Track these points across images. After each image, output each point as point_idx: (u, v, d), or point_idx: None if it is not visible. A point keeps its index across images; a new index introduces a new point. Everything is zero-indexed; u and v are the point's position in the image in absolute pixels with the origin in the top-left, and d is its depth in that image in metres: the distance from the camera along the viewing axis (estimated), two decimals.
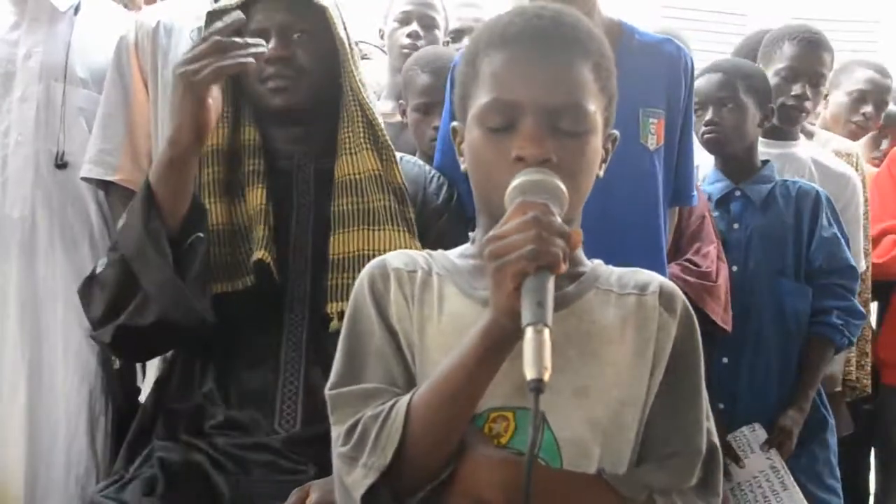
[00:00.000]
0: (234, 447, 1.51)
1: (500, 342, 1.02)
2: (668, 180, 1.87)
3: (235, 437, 1.52)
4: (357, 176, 1.61)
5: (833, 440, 2.33)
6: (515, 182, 1.05)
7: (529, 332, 0.94)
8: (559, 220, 1.01)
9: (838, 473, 2.32)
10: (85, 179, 2.10)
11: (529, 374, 0.92)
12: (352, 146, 1.63)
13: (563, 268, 0.98)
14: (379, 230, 1.59)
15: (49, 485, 2.05)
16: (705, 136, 2.34)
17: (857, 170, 2.70)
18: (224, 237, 1.59)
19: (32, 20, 2.15)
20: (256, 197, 1.59)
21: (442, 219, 1.66)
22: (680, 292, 1.19)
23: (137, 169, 2.07)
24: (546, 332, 0.94)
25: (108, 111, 2.08)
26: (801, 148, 2.59)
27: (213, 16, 1.61)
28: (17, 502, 2.04)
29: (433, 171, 1.73)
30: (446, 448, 1.08)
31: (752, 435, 2.21)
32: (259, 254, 1.55)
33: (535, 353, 0.93)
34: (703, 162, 2.37)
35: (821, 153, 2.63)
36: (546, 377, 0.92)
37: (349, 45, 1.64)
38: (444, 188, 1.71)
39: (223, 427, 1.54)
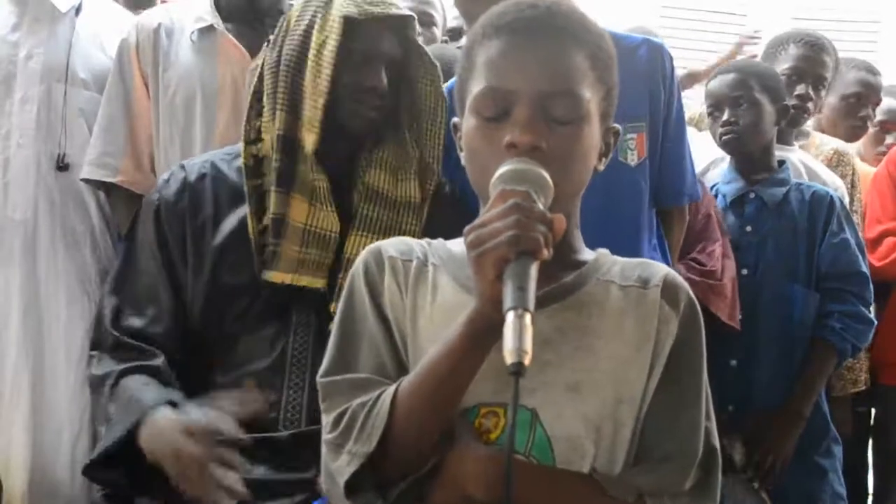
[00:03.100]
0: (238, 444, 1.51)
1: (483, 332, 1.00)
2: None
3: (239, 434, 1.51)
4: (397, 198, 1.63)
5: (837, 449, 2.27)
6: (500, 171, 1.04)
7: (510, 317, 0.91)
8: (541, 206, 0.99)
9: (842, 480, 2.27)
10: (86, 181, 2.10)
11: (509, 358, 0.89)
12: (399, 170, 1.65)
13: (545, 253, 0.96)
14: None
15: (53, 486, 2.04)
16: (723, 136, 2.32)
17: (851, 169, 2.70)
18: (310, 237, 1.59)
19: (33, 21, 2.14)
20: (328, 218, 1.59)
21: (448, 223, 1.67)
22: (686, 287, 1.16)
23: (139, 171, 2.09)
24: (528, 316, 0.91)
25: (110, 113, 2.08)
26: (795, 153, 2.58)
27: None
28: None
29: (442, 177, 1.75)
30: (431, 437, 1.07)
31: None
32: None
33: (514, 337, 0.90)
34: (696, 159, 2.35)
35: (811, 160, 2.62)
36: (527, 361, 0.89)
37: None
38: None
39: None
